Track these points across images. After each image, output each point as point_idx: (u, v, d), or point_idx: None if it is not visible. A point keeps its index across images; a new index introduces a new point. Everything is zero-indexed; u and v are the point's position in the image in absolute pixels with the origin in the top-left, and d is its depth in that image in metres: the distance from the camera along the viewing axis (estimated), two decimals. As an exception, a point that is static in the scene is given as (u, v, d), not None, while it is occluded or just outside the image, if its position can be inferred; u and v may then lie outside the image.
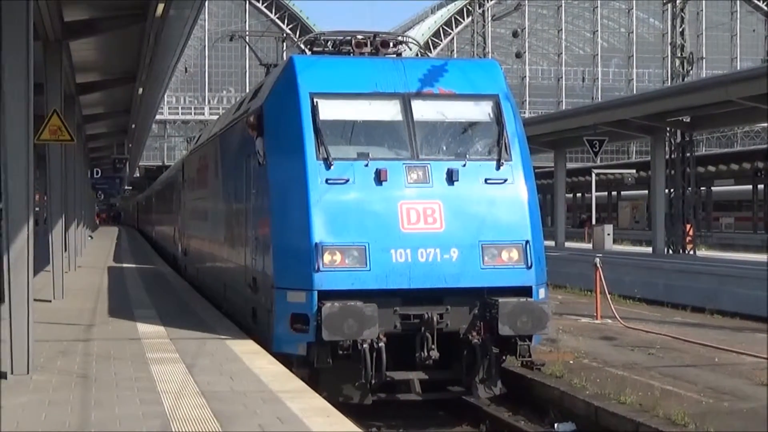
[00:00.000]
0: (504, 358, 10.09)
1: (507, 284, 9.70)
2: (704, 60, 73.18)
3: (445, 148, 10.26)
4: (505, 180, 10.10)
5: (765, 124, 59.62)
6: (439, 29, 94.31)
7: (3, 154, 8.47)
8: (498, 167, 10.13)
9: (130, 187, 71.88)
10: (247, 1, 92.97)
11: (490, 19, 44.46)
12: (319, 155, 9.77)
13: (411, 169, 9.86)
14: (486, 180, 10.03)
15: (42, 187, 30.86)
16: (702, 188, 49.69)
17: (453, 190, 9.84)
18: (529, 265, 9.78)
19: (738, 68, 78.46)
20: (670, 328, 14.03)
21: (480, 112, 10.54)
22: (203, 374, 8.52)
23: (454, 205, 9.78)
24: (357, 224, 9.54)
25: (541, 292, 9.98)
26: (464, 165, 9.98)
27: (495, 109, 10.49)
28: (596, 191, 43.55)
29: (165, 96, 52.12)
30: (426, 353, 9.38)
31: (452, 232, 9.63)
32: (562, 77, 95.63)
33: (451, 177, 9.86)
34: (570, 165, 48.94)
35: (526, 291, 9.74)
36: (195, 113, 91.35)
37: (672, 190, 29.45)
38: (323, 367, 9.32)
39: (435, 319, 9.41)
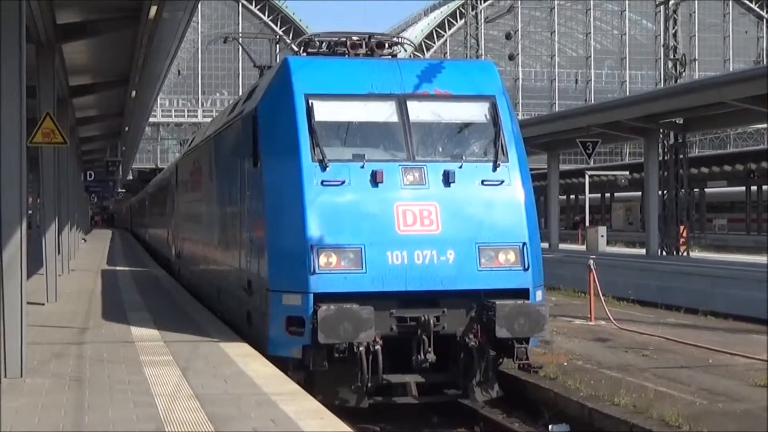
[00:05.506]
0: (501, 360, 10.07)
1: (504, 286, 9.65)
2: (697, 62, 73.42)
3: (441, 149, 10.21)
4: (502, 181, 10.04)
5: (758, 126, 59.81)
6: (432, 31, 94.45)
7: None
8: (495, 169, 10.07)
9: (124, 190, 71.70)
10: (240, 4, 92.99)
11: (483, 21, 44.48)
12: (315, 157, 9.73)
13: (407, 170, 9.81)
14: (483, 181, 9.98)
15: (35, 190, 30.78)
16: (695, 190, 49.81)
17: (449, 192, 9.79)
18: (526, 267, 9.74)
19: (731, 70, 78.75)
20: (664, 329, 14.03)
21: (477, 113, 10.50)
22: (197, 377, 8.49)
23: (451, 206, 9.73)
24: (353, 226, 9.49)
25: (539, 294, 9.95)
26: (461, 166, 9.93)
27: (492, 110, 10.45)
28: (590, 193, 43.55)
29: (158, 99, 52.08)
30: (422, 356, 9.31)
31: (449, 234, 9.58)
32: (555, 79, 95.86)
33: (447, 178, 9.81)
34: (563, 167, 49.02)
35: (523, 293, 9.69)
36: (188, 116, 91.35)
37: (665, 191, 29.50)
38: (319, 370, 9.28)
39: (431, 321, 9.35)
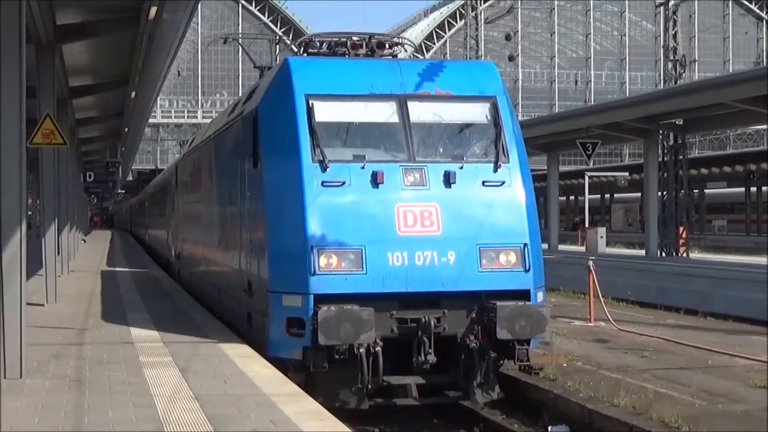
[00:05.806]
0: (502, 362, 10.06)
1: (505, 287, 9.62)
2: (697, 63, 73.44)
3: (442, 150, 10.18)
4: (503, 182, 10.02)
5: (758, 127, 59.83)
6: (432, 32, 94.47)
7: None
8: (495, 169, 10.05)
9: (123, 191, 71.73)
10: (240, 5, 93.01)
11: (483, 22, 44.49)
12: (315, 157, 9.70)
13: (408, 171, 9.80)
14: (483, 182, 9.96)
15: (35, 190, 30.78)
16: (695, 191, 49.82)
17: (450, 193, 9.77)
18: (528, 268, 9.72)
19: (730, 71, 78.79)
20: (664, 330, 14.02)
21: (477, 113, 10.48)
22: (197, 378, 8.48)
23: (452, 207, 9.71)
24: (353, 227, 9.47)
25: (540, 296, 9.93)
26: (461, 167, 9.91)
27: (492, 110, 10.44)
28: (589, 194, 43.56)
29: (158, 99, 52.06)
30: (423, 357, 9.29)
31: (449, 235, 9.56)
32: (555, 80, 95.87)
33: (448, 179, 9.79)
34: (563, 168, 49.00)
35: (524, 294, 9.66)
36: (188, 117, 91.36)
37: (665, 192, 29.50)
38: (319, 371, 9.26)
39: (432, 322, 9.32)
